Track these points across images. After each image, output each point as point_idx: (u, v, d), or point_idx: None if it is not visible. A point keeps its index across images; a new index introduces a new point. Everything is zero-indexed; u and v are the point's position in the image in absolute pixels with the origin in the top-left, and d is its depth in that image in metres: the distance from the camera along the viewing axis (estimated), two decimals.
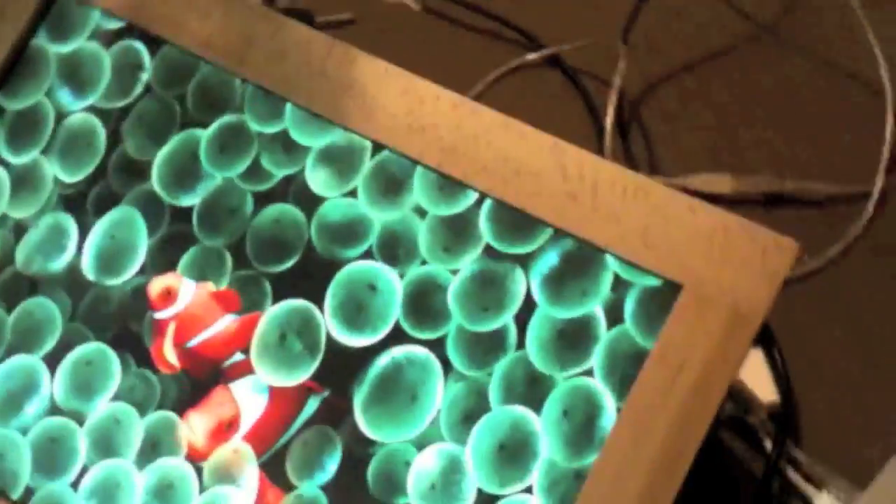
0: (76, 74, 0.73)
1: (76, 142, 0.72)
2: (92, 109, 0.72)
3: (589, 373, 0.58)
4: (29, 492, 0.66)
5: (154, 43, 0.71)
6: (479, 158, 0.62)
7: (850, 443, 0.70)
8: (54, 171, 0.71)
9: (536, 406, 0.59)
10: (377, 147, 0.65)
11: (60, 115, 0.72)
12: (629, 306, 0.58)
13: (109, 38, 0.73)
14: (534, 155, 0.62)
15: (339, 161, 0.66)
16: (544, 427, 0.58)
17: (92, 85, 0.72)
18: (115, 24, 0.73)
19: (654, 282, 0.58)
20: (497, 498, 0.58)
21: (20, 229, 0.71)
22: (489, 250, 0.62)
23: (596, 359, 0.58)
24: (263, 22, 0.69)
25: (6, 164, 0.73)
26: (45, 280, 0.70)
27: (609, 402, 0.57)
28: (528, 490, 0.58)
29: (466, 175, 0.63)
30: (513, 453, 0.59)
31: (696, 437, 0.55)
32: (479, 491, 0.59)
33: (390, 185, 0.65)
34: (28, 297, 0.70)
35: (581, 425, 0.58)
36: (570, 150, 0.61)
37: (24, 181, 0.72)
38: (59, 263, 0.70)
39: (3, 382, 0.68)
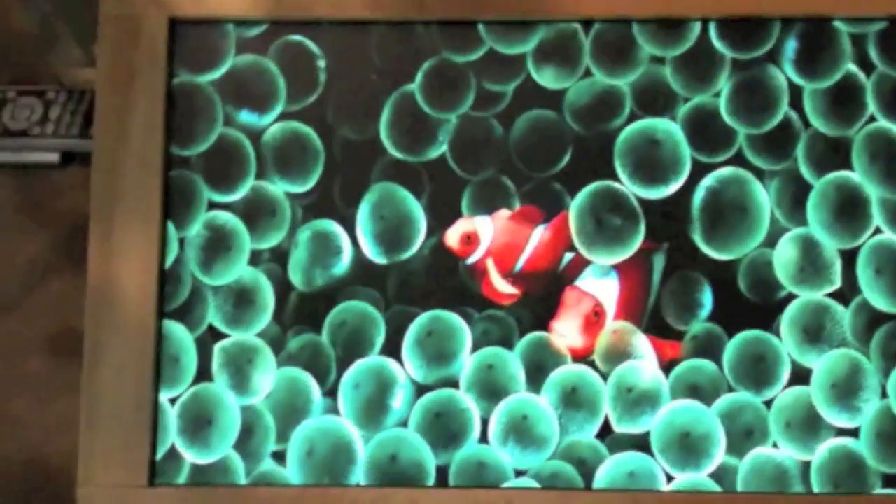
0: (247, 90, 0.71)
1: (289, 152, 0.71)
2: (286, 116, 0.71)
3: None
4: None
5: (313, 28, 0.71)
6: None
7: None
8: (282, 188, 0.70)
9: None
10: (586, 24, 0.70)
11: (256, 135, 0.71)
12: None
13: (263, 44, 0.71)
14: None
15: (559, 52, 0.70)
16: None
17: (273, 95, 0.71)
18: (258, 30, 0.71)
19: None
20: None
21: (279, 256, 0.70)
22: (735, 63, 0.69)
23: None
24: None
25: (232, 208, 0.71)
26: (337, 286, 0.69)
27: None
28: None
29: (687, 10, 0.69)
30: None
31: None
32: None
33: (618, 53, 0.70)
34: (330, 311, 0.69)
35: None
36: None
37: (256, 211, 0.70)
38: (343, 265, 0.70)
39: (361, 391, 0.68)
